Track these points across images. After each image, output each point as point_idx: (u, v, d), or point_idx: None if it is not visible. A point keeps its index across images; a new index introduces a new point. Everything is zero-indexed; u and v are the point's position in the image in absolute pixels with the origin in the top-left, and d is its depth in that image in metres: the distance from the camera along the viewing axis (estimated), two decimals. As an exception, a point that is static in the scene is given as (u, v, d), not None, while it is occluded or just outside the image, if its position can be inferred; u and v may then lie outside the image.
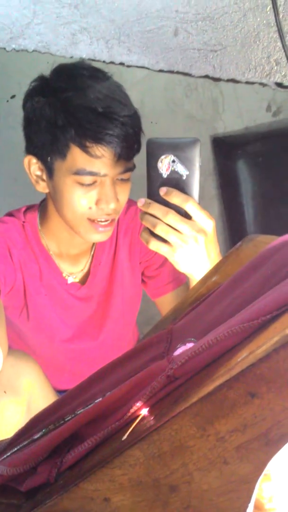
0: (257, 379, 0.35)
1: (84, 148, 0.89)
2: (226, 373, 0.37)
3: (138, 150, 0.95)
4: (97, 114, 0.89)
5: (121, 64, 1.36)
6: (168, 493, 0.37)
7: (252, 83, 1.37)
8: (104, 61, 1.34)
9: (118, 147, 0.90)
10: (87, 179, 0.92)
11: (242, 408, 0.35)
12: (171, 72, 1.37)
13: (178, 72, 1.38)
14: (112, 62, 1.39)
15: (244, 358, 0.37)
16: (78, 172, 0.91)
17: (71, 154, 0.91)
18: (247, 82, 1.36)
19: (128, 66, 1.36)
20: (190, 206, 0.77)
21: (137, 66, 1.35)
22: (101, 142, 0.89)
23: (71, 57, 1.32)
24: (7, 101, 1.51)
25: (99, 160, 0.91)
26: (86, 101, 0.89)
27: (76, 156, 0.91)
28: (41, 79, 0.96)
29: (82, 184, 0.92)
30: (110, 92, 0.92)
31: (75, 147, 0.90)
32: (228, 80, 1.38)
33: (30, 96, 0.96)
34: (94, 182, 0.93)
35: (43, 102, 0.92)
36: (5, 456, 0.50)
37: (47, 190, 1.00)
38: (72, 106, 0.90)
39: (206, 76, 1.36)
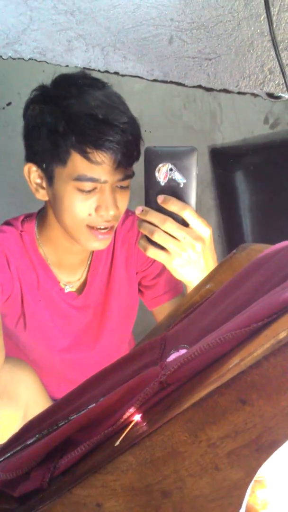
0: (248, 386, 0.35)
1: (85, 154, 0.90)
2: (217, 380, 0.37)
3: (137, 157, 0.96)
4: (97, 120, 0.90)
5: (116, 73, 1.37)
6: (160, 498, 0.37)
7: (245, 93, 1.38)
8: (99, 70, 1.35)
9: (118, 154, 0.91)
10: (87, 185, 0.92)
11: (233, 415, 0.36)
12: (166, 82, 1.39)
13: (172, 82, 1.39)
14: (107, 71, 1.40)
15: (235, 365, 0.37)
16: (78, 178, 0.92)
17: (71, 161, 0.92)
18: (239, 93, 1.37)
19: (123, 76, 1.37)
20: (188, 213, 0.78)
21: (131, 76, 1.36)
22: (101, 148, 0.90)
23: (67, 66, 1.33)
24: (3, 108, 1.51)
25: (99, 167, 0.91)
26: (86, 108, 0.90)
27: (77, 162, 0.91)
28: (41, 88, 0.98)
29: (82, 191, 0.93)
30: (110, 101, 0.93)
31: (75, 153, 0.91)
32: (221, 91, 1.40)
33: (30, 104, 0.97)
34: (94, 189, 0.94)
35: (44, 109, 0.93)
36: (-2, 461, 0.50)
37: (46, 198, 1.00)
38: (73, 113, 0.90)
39: (200, 86, 1.37)
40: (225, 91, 1.32)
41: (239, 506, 0.36)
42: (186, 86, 1.32)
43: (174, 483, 0.37)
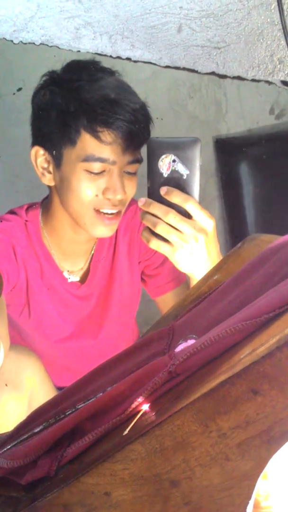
0: (260, 376, 0.35)
1: (95, 133, 0.90)
2: (228, 370, 0.37)
3: (147, 138, 0.96)
4: (108, 100, 0.90)
5: (126, 59, 1.36)
6: (169, 488, 0.37)
7: (256, 81, 1.37)
8: (110, 56, 1.34)
9: (128, 134, 0.91)
10: (96, 166, 0.92)
11: (244, 405, 0.35)
12: (174, 68, 1.38)
13: (182, 69, 1.38)
14: (118, 57, 1.39)
15: (246, 355, 0.37)
16: (87, 159, 0.91)
17: (81, 141, 0.91)
18: (251, 80, 1.36)
19: (135, 62, 1.35)
20: (191, 205, 0.78)
21: (142, 62, 1.35)
22: (112, 127, 0.90)
23: (78, 51, 1.31)
24: (14, 93, 1.50)
25: (109, 146, 0.91)
26: (98, 89, 0.91)
27: (86, 142, 0.91)
28: (51, 73, 0.98)
29: (90, 172, 0.92)
30: (119, 84, 0.95)
31: (85, 133, 0.91)
32: (232, 78, 1.39)
33: (41, 88, 0.98)
34: (103, 172, 0.93)
35: (55, 92, 0.93)
36: (5, 449, 0.50)
37: (53, 183, 0.99)
38: (84, 94, 0.91)
39: (211, 73, 1.36)
40: (237, 78, 1.30)
41: (249, 497, 0.35)
42: (198, 72, 1.30)
43: (183, 472, 0.37)
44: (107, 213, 0.96)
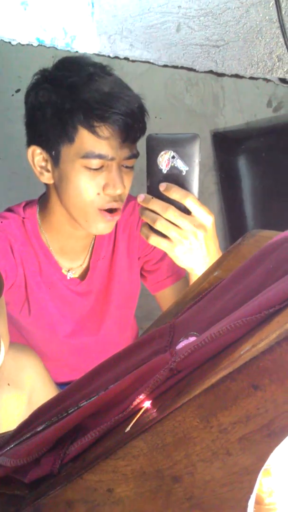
0: (260, 371, 0.35)
1: (92, 129, 0.90)
2: (229, 366, 0.37)
3: (143, 131, 0.96)
4: (103, 94, 0.90)
5: (124, 59, 1.36)
6: (171, 483, 0.37)
7: (255, 78, 1.37)
8: (109, 56, 1.34)
9: (125, 127, 0.91)
10: (95, 162, 0.92)
11: (245, 400, 0.35)
12: (174, 67, 1.38)
13: (181, 67, 1.39)
14: (116, 57, 1.39)
15: (247, 351, 0.37)
16: (86, 156, 0.92)
17: (79, 138, 0.92)
18: (251, 78, 1.36)
19: (133, 61, 1.36)
20: (190, 201, 0.78)
21: (141, 61, 1.36)
22: (108, 121, 0.90)
23: (76, 52, 1.32)
24: (12, 95, 1.50)
25: (106, 142, 0.91)
26: (91, 83, 0.91)
27: (84, 138, 0.91)
28: (43, 72, 0.98)
29: (89, 169, 0.93)
30: (112, 78, 0.95)
31: (83, 129, 0.91)
32: (231, 76, 1.39)
33: (34, 87, 0.97)
34: (101, 167, 0.93)
35: (48, 90, 0.93)
36: (8, 448, 0.51)
37: (51, 181, 1.00)
38: (78, 90, 0.91)
39: (210, 72, 1.36)
40: (236, 76, 1.31)
41: (250, 491, 0.36)
42: (197, 71, 1.31)
43: (185, 468, 0.37)
44: (108, 210, 0.97)
